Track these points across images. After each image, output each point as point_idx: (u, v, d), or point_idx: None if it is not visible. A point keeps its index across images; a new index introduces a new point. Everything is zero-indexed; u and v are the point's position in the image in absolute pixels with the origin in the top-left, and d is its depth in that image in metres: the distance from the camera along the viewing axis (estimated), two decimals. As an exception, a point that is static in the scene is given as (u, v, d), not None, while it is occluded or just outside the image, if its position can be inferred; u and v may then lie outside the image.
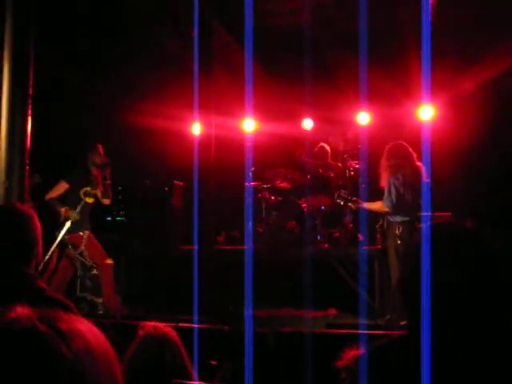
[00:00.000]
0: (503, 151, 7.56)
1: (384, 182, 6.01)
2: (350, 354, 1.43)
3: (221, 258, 6.69)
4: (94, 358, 0.87)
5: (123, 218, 8.28)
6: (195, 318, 3.95)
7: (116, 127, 8.02)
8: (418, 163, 5.90)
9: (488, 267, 1.42)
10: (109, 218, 8.39)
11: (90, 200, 6.45)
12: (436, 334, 1.39)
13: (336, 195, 6.49)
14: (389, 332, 4.64)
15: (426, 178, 5.79)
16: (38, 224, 2.29)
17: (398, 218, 5.93)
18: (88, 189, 6.43)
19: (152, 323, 2.74)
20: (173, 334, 2.68)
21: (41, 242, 2.29)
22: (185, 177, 7.79)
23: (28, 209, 2.35)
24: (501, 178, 7.55)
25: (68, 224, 6.27)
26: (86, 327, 0.90)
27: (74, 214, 6.31)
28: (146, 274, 7.05)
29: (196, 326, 3.87)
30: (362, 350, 1.43)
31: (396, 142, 6.12)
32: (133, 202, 8.13)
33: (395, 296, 5.82)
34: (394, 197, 5.90)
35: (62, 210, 6.35)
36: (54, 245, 6.12)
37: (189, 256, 5.92)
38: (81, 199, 6.39)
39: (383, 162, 6.06)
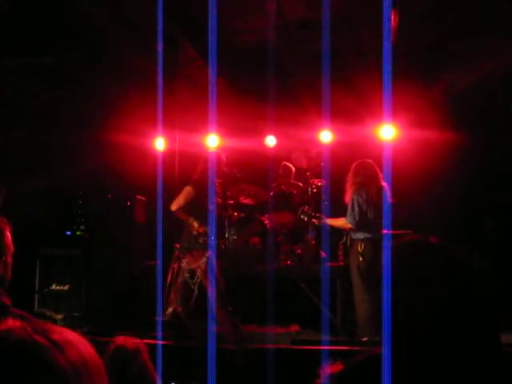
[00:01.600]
0: (464, 171, 7.74)
1: (348, 198, 6.10)
2: (328, 370, 1.43)
3: (183, 273, 6.64)
4: (87, 367, 0.89)
5: (83, 233, 8.16)
6: (159, 334, 3.91)
7: (78, 141, 7.93)
8: (384, 183, 6.00)
9: (453, 281, 1.44)
10: (69, 233, 8.26)
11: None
12: (403, 350, 1.41)
13: (300, 211, 6.55)
14: (352, 348, 4.69)
15: (389, 198, 5.89)
16: (8, 237, 2.23)
17: (361, 235, 6.01)
18: None
19: (122, 337, 2.71)
20: (143, 348, 2.66)
21: (9, 257, 2.22)
22: (147, 192, 7.74)
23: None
24: (462, 197, 7.73)
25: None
26: (76, 338, 0.91)
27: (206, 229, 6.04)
28: (108, 289, 6.95)
29: (160, 342, 3.83)
30: (339, 367, 1.43)
31: (363, 159, 6.22)
32: (94, 216, 8.02)
33: (358, 312, 5.89)
34: (356, 214, 5.98)
35: (196, 224, 6.16)
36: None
37: (152, 271, 5.88)
38: (204, 210, 6.06)
39: (349, 179, 6.15)
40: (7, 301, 2.17)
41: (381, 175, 6.10)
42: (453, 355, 1.40)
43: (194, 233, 6.16)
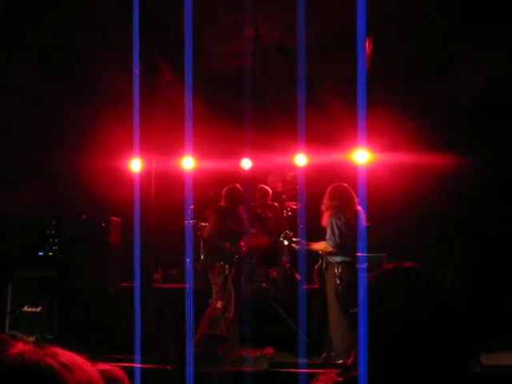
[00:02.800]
0: (437, 193, 7.86)
1: (326, 221, 6.15)
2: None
3: (158, 296, 6.63)
4: None
5: (55, 253, 8.07)
6: (136, 357, 3.89)
7: (53, 162, 7.88)
8: (359, 207, 6.08)
9: (426, 304, 1.48)
10: (41, 253, 8.16)
11: None
12: (378, 371, 1.45)
13: (282, 235, 6.60)
14: (328, 370, 4.70)
15: (364, 221, 5.98)
16: None
17: (339, 258, 6.06)
18: None
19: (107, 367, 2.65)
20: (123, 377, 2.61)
21: None
22: (122, 213, 7.71)
23: None
24: (436, 218, 7.84)
25: None
26: (81, 360, 0.94)
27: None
28: (82, 311, 6.87)
29: (138, 365, 3.81)
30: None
31: (339, 183, 6.29)
32: (68, 237, 7.94)
33: (333, 335, 5.92)
34: (337, 236, 6.03)
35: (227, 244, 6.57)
36: None
37: (126, 293, 5.83)
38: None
39: (325, 202, 6.21)
40: None
41: (356, 199, 6.18)
42: (425, 376, 1.43)
43: (227, 252, 6.53)
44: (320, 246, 6.23)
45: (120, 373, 2.66)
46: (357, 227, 5.92)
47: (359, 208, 6.06)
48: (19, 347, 0.91)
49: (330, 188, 6.28)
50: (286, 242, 6.56)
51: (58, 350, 0.94)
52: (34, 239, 8.08)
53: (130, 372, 3.73)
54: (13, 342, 2.08)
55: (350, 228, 6.04)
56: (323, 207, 6.24)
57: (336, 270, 5.99)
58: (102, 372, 2.62)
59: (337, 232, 6.02)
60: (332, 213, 6.11)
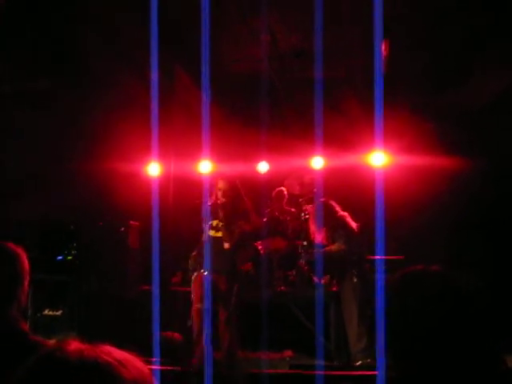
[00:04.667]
0: (455, 196, 7.83)
1: (323, 235, 6.35)
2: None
3: (177, 299, 6.66)
4: (146, 382, 0.95)
5: (74, 258, 8.14)
6: (155, 359, 3.92)
7: (71, 167, 7.96)
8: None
9: (459, 309, 1.48)
10: (60, 258, 8.25)
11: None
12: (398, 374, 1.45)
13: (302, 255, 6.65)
14: (347, 373, 4.71)
15: (378, 222, 6.01)
16: (26, 263, 2.23)
17: (354, 257, 6.13)
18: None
19: None
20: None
21: (26, 283, 2.22)
22: (140, 218, 7.76)
23: (15, 247, 2.28)
24: (454, 221, 7.81)
25: None
26: (132, 357, 0.98)
27: None
28: (101, 315, 6.92)
29: (157, 367, 3.85)
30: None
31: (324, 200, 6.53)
32: (86, 241, 8.02)
33: (350, 337, 5.92)
34: (347, 233, 6.16)
35: None
36: None
37: (145, 297, 5.87)
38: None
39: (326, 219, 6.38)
40: (25, 327, 2.16)
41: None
42: (448, 378, 1.44)
43: None
44: (333, 247, 6.29)
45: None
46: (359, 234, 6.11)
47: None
48: (76, 344, 0.95)
49: (331, 203, 6.39)
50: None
51: (110, 348, 0.99)
52: (53, 244, 8.17)
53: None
54: (46, 343, 2.10)
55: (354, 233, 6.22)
56: (315, 227, 6.46)
57: (355, 280, 6.05)
58: None
59: (343, 232, 6.15)
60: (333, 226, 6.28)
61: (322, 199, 6.49)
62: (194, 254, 6.37)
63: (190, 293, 6.10)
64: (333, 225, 6.35)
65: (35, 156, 7.99)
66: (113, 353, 0.96)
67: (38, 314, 7.06)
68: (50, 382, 0.90)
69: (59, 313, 7.09)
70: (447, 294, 1.50)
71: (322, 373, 4.27)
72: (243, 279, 7.32)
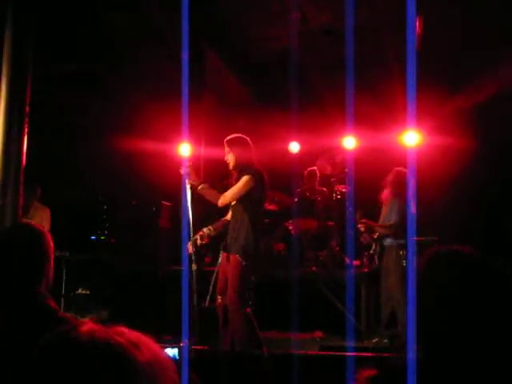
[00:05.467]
0: (488, 177, 7.70)
1: (387, 198, 6.15)
2: (364, 375, 1.46)
3: (209, 278, 6.69)
4: (161, 365, 0.95)
5: (107, 238, 8.26)
6: (184, 339, 3.95)
7: (104, 147, 8.04)
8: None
9: (493, 289, 1.46)
10: (93, 237, 8.37)
11: None
12: (430, 355, 1.43)
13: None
14: (379, 354, 4.68)
15: (411, 203, 5.96)
16: (51, 242, 2.28)
17: (401, 241, 6.05)
18: None
19: None
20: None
21: (52, 261, 2.27)
22: (173, 198, 7.81)
23: (40, 227, 2.34)
24: (487, 203, 7.69)
25: None
26: (146, 338, 0.98)
27: None
28: (133, 294, 7.01)
29: (185, 347, 3.88)
30: (375, 371, 1.46)
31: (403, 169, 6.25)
32: (119, 221, 8.11)
33: (400, 313, 5.86)
34: (401, 217, 6.06)
35: None
36: None
37: (176, 276, 5.91)
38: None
39: (391, 180, 6.17)
40: (54, 305, 2.20)
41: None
42: (479, 360, 1.41)
43: None
44: (383, 229, 6.20)
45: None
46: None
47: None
48: (89, 325, 0.95)
49: (398, 171, 6.23)
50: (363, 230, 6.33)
51: (125, 329, 0.98)
52: (86, 224, 8.29)
53: (178, 354, 3.80)
54: (73, 320, 2.15)
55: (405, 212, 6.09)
56: (386, 183, 6.24)
57: (401, 252, 5.99)
58: None
59: (400, 213, 6.03)
60: (396, 193, 6.10)
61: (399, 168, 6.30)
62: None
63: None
64: (398, 193, 6.20)
65: (70, 135, 8.09)
66: (127, 334, 0.95)
67: (71, 293, 7.18)
68: (61, 361, 0.90)
69: (92, 291, 7.20)
70: (477, 275, 1.48)
71: (352, 354, 4.26)
72: (275, 259, 7.34)
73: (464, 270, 1.50)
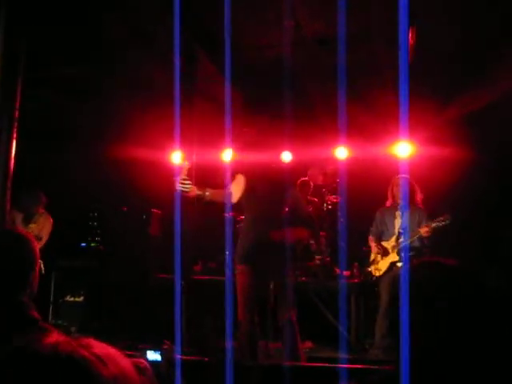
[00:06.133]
0: (486, 186, 7.70)
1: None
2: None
3: (198, 287, 6.65)
4: (127, 381, 0.91)
5: (97, 245, 8.20)
6: (176, 348, 3.91)
7: (94, 154, 8.00)
8: None
9: (468, 302, 1.45)
10: (83, 245, 8.31)
11: None
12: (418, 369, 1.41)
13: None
14: (367, 366, 4.65)
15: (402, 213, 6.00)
16: (36, 249, 2.23)
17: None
18: None
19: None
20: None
21: (37, 269, 2.22)
22: (162, 205, 7.77)
23: (25, 233, 2.29)
24: (478, 215, 7.68)
25: None
26: (114, 352, 0.94)
27: None
28: (122, 302, 6.96)
29: (178, 356, 3.83)
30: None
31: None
32: (109, 229, 8.06)
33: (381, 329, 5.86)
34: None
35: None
36: None
37: (166, 285, 5.87)
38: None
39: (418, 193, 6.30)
40: (36, 314, 2.15)
41: None
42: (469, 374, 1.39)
43: None
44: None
45: (143, 364, 2.64)
46: None
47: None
48: (54, 337, 0.91)
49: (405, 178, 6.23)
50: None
51: (93, 342, 0.95)
52: (76, 230, 8.23)
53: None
54: (52, 330, 2.10)
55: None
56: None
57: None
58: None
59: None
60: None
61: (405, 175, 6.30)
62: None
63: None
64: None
65: (60, 142, 8.04)
66: (93, 347, 0.92)
67: (60, 300, 7.12)
68: (20, 373, 0.87)
69: (81, 299, 7.15)
70: (459, 288, 1.47)
71: (342, 366, 4.23)
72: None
73: (446, 282, 1.49)
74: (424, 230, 6.06)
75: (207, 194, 5.34)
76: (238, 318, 4.97)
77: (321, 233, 7.50)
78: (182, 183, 5.21)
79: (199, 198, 5.43)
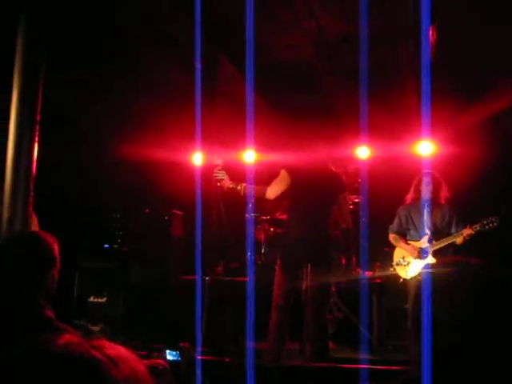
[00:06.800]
0: (502, 188, 7.61)
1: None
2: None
3: (220, 288, 6.66)
4: (139, 382, 0.91)
5: (120, 246, 8.26)
6: (197, 348, 3.92)
7: (116, 156, 8.05)
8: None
9: (493, 302, 1.42)
10: (106, 246, 8.37)
11: None
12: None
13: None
14: (388, 367, 4.62)
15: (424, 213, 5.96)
16: (55, 252, 2.25)
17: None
18: None
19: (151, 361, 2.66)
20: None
21: (56, 270, 2.25)
22: (184, 206, 7.79)
23: (47, 236, 2.31)
24: (500, 214, 7.58)
25: None
26: (128, 354, 0.95)
27: None
28: (144, 303, 7.00)
29: (198, 357, 3.84)
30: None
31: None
32: (132, 230, 8.11)
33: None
34: None
35: None
36: None
37: (188, 286, 5.90)
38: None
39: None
40: (51, 314, 2.18)
41: None
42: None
43: None
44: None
45: (162, 365, 2.66)
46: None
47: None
48: (66, 338, 0.92)
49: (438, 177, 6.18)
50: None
51: (105, 343, 0.96)
52: (99, 231, 8.30)
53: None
54: (67, 330, 2.12)
55: None
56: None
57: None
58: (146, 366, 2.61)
59: None
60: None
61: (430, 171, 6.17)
62: None
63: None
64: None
65: (83, 143, 8.11)
66: (106, 348, 0.93)
67: (84, 301, 7.19)
68: (31, 373, 0.88)
69: (103, 300, 7.20)
70: (487, 290, 1.44)
71: (361, 366, 4.20)
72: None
73: (471, 282, 1.47)
74: (467, 233, 5.80)
75: (239, 188, 5.46)
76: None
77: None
78: (217, 173, 5.69)
79: (232, 190, 5.53)
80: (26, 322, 2.05)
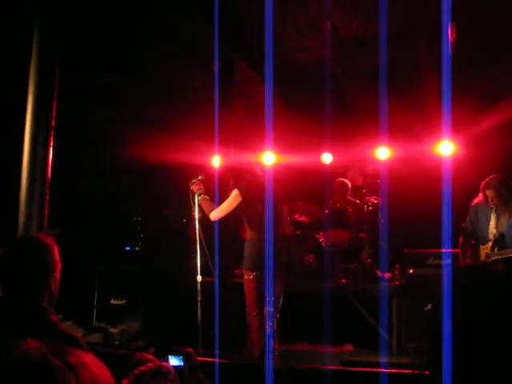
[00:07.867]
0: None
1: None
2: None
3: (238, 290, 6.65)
4: None
5: (141, 248, 8.31)
6: (216, 351, 3.92)
7: (136, 159, 8.10)
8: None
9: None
10: (128, 249, 8.42)
11: None
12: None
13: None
14: (408, 371, 4.57)
15: (445, 215, 5.82)
16: (56, 255, 2.25)
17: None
18: None
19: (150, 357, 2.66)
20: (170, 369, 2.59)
21: (57, 274, 2.25)
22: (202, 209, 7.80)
23: (47, 239, 2.31)
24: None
25: None
26: (92, 361, 0.97)
27: None
28: (164, 305, 7.01)
29: (217, 359, 3.84)
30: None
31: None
32: (152, 232, 8.15)
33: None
34: None
35: None
36: None
37: (207, 287, 5.90)
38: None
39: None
40: (55, 318, 2.18)
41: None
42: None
43: None
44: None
45: (166, 368, 2.65)
46: None
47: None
48: (28, 344, 0.94)
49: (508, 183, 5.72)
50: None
51: (72, 351, 0.97)
52: (120, 234, 8.36)
53: (209, 367, 3.77)
54: (26, 339, 2.11)
55: None
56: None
57: None
58: (147, 368, 2.60)
59: None
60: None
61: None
62: None
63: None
64: None
65: (104, 147, 8.17)
66: (69, 355, 0.95)
67: (104, 304, 7.22)
68: None
69: (123, 302, 7.23)
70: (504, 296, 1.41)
71: (374, 370, 4.16)
72: (305, 271, 7.27)
73: (489, 289, 1.43)
74: None
75: (200, 198, 5.76)
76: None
77: (361, 234, 7.43)
78: (195, 179, 5.88)
79: (192, 195, 5.89)
80: (28, 326, 2.05)
